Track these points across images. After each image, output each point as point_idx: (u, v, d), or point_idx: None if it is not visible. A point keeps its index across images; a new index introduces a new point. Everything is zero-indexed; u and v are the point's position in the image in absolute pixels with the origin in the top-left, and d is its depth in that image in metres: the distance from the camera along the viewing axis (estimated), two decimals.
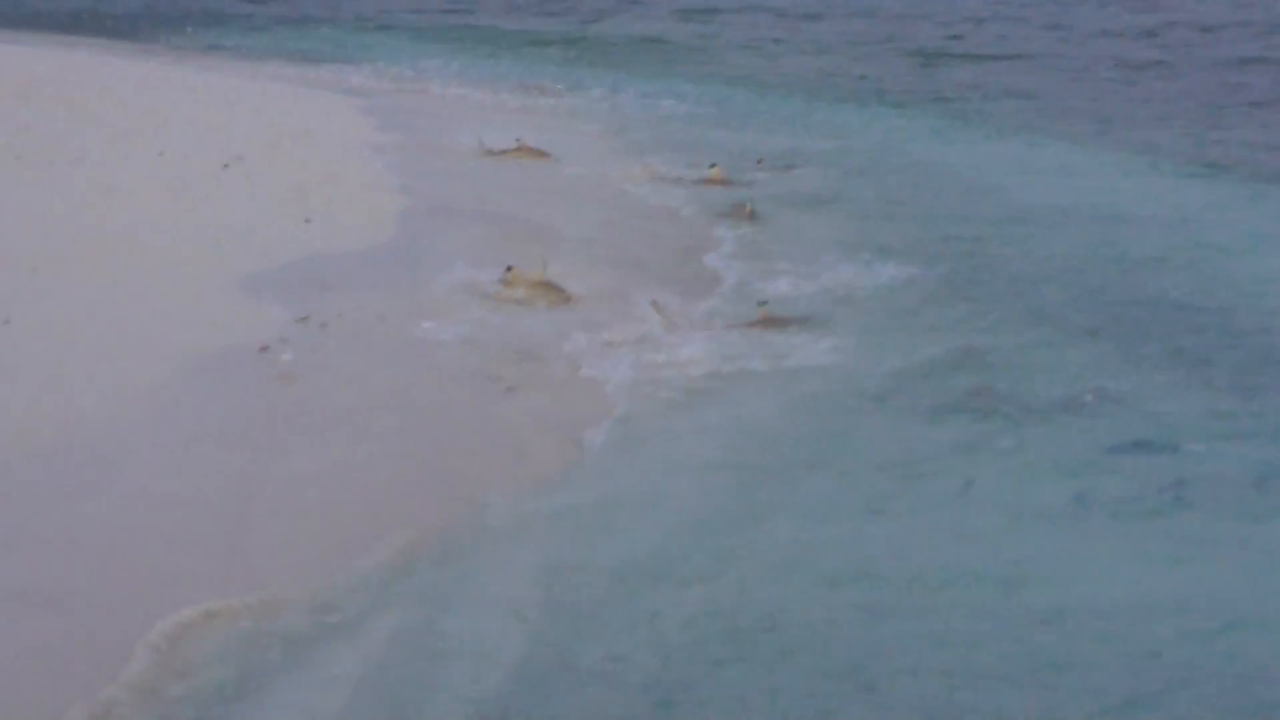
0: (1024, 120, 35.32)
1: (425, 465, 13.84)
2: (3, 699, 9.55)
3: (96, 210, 20.95)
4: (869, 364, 17.19)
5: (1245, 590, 12.11)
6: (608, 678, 10.50)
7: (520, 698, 10.25)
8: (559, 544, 12.55)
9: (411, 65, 43.84)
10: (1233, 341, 18.38)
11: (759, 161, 28.74)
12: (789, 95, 39.34)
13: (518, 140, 28.59)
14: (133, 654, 10.20)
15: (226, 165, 24.54)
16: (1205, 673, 10.74)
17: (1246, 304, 20.10)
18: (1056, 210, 25.74)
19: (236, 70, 40.07)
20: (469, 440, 14.53)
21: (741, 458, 14.51)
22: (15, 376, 14.56)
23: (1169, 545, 12.81)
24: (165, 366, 15.23)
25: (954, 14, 54.40)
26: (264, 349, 15.91)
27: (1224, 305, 19.88)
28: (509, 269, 19.30)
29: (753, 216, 24.23)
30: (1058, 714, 10.21)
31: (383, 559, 12.00)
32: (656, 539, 12.67)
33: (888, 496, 13.67)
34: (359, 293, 18.47)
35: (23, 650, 10.07)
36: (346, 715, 10.00)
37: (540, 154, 28.32)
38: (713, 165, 27.18)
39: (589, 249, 21.83)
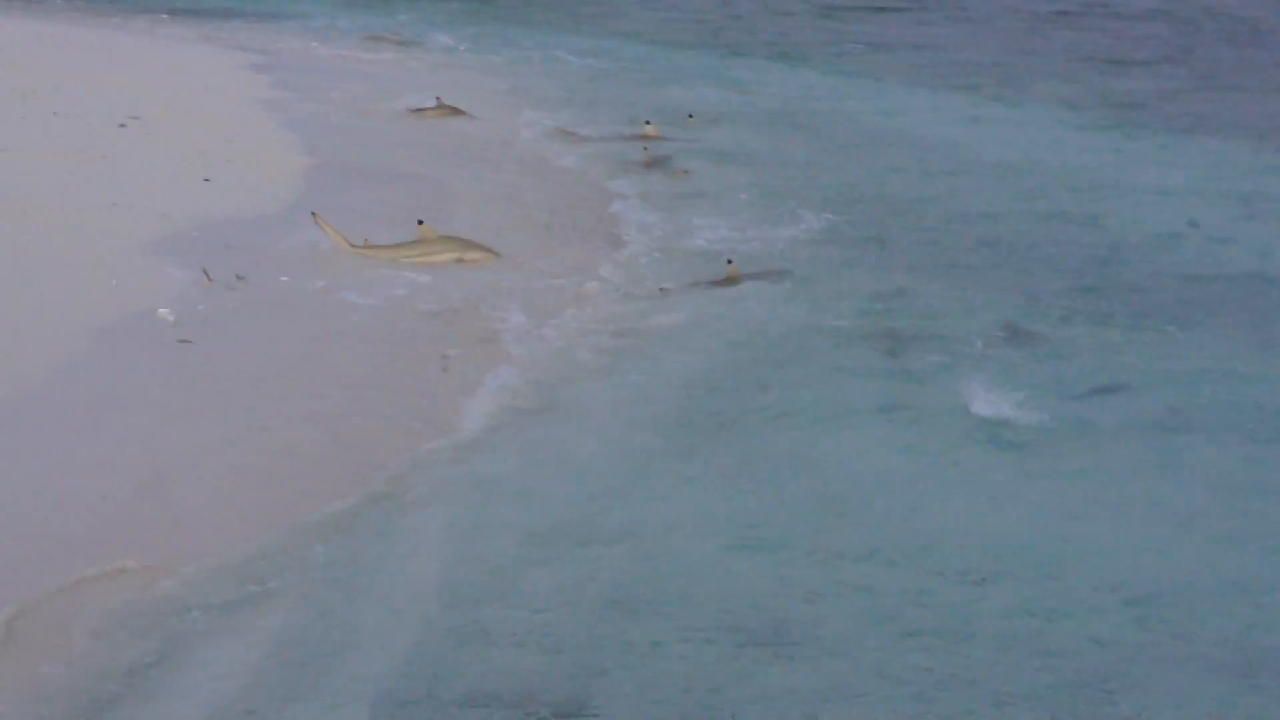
0: (928, 73, 35.40)
1: (336, 431, 13.58)
2: None
3: None
4: (800, 314, 17.25)
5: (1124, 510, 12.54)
6: (523, 641, 10.37)
7: (435, 661, 10.09)
8: (477, 508, 12.40)
9: (312, 23, 43.22)
10: (1129, 284, 19.03)
11: (689, 117, 29.22)
12: (691, 50, 39.22)
13: (437, 99, 29.06)
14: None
15: (123, 125, 24.03)
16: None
17: (1145, 250, 20.53)
18: (965, 161, 25.90)
19: (132, 27, 39.28)
20: (384, 404, 14.30)
21: (670, 411, 14.42)
22: None
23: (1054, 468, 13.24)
24: (71, 334, 14.84)
25: None
26: (184, 340, 15.43)
27: (1123, 251, 20.45)
28: (420, 223, 19.06)
29: (684, 174, 24.68)
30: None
31: (297, 525, 11.77)
32: (579, 500, 12.55)
33: (808, 446, 13.62)
34: (264, 254, 18.14)
35: None
36: (259, 680, 9.80)
37: (458, 111, 28.73)
38: (647, 122, 28.05)
39: (504, 209, 21.64)
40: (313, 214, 18.97)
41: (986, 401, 14.61)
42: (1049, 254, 20.29)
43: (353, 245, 18.71)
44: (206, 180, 21.26)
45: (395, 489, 12.61)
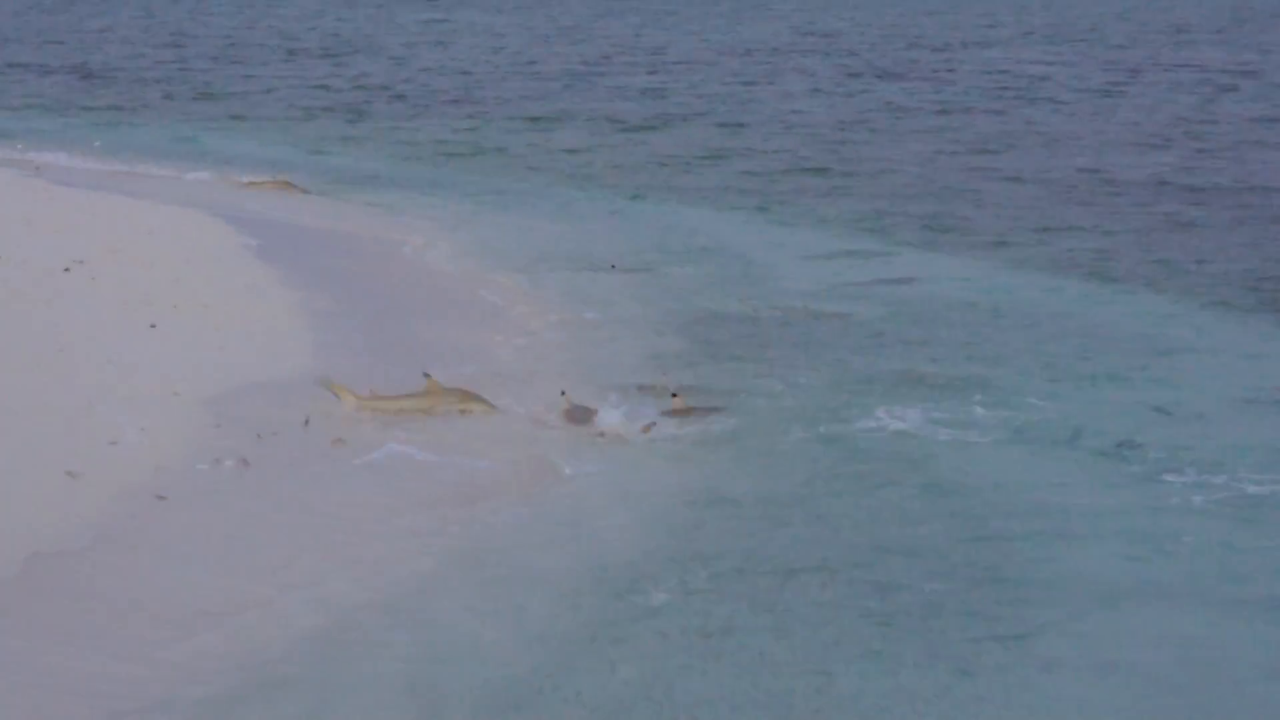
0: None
1: None
2: None
3: None
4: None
5: None
6: None
7: None
8: None
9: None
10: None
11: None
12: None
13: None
14: None
15: (67, 269, 24.20)
16: None
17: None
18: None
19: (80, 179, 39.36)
20: None
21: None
22: None
23: None
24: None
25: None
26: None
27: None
28: (426, 375, 19.41)
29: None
30: None
31: None
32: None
33: None
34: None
35: None
36: None
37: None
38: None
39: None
40: (324, 381, 19.24)
41: None
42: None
43: (359, 398, 19.02)
44: (153, 326, 21.49)
45: None
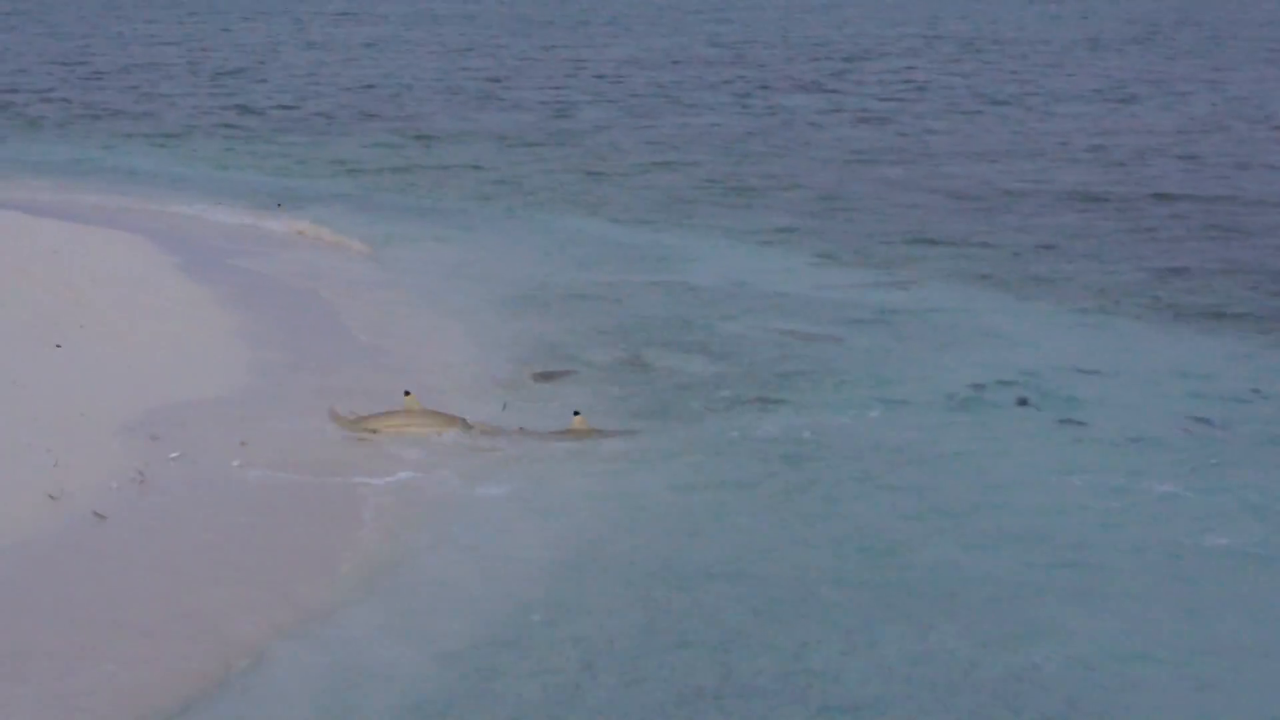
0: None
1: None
2: None
3: None
4: None
5: None
6: None
7: None
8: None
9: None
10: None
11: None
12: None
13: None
14: None
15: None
16: None
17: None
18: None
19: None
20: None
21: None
22: None
23: None
24: None
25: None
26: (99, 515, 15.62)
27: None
28: (407, 394, 19.47)
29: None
30: None
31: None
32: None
33: None
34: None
35: None
36: None
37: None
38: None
39: None
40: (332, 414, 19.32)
41: None
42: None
43: (344, 420, 19.09)
44: (58, 346, 21.37)
45: None
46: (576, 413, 19.53)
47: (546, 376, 22.05)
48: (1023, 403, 21.00)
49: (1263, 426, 20.02)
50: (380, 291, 27.75)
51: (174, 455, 17.51)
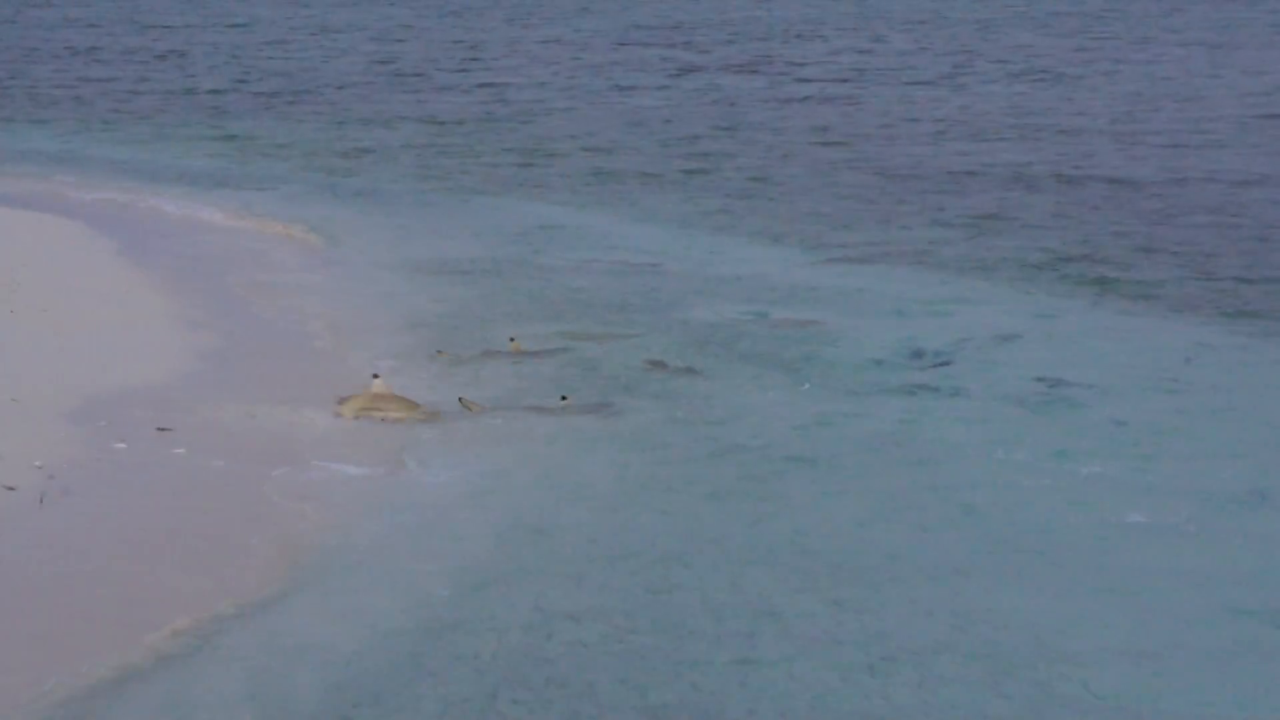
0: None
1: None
2: None
3: None
4: None
5: None
6: None
7: None
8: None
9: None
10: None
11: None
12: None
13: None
14: None
15: None
16: None
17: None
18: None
19: None
20: None
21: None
22: None
23: None
24: None
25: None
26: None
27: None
28: (375, 376, 19.61)
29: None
30: None
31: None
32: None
33: None
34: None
35: None
36: None
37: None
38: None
39: None
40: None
41: None
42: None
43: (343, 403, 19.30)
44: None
45: None
46: (512, 338, 19.74)
47: (488, 355, 22.10)
48: (943, 364, 21.39)
49: (1189, 401, 20.35)
50: (316, 274, 27.73)
51: (120, 445, 17.41)
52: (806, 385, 20.81)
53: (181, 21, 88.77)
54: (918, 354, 22.46)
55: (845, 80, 59.94)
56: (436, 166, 41.27)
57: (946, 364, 21.98)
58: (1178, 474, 17.66)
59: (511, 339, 21.59)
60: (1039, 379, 21.26)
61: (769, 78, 61.25)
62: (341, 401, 19.33)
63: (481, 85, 58.99)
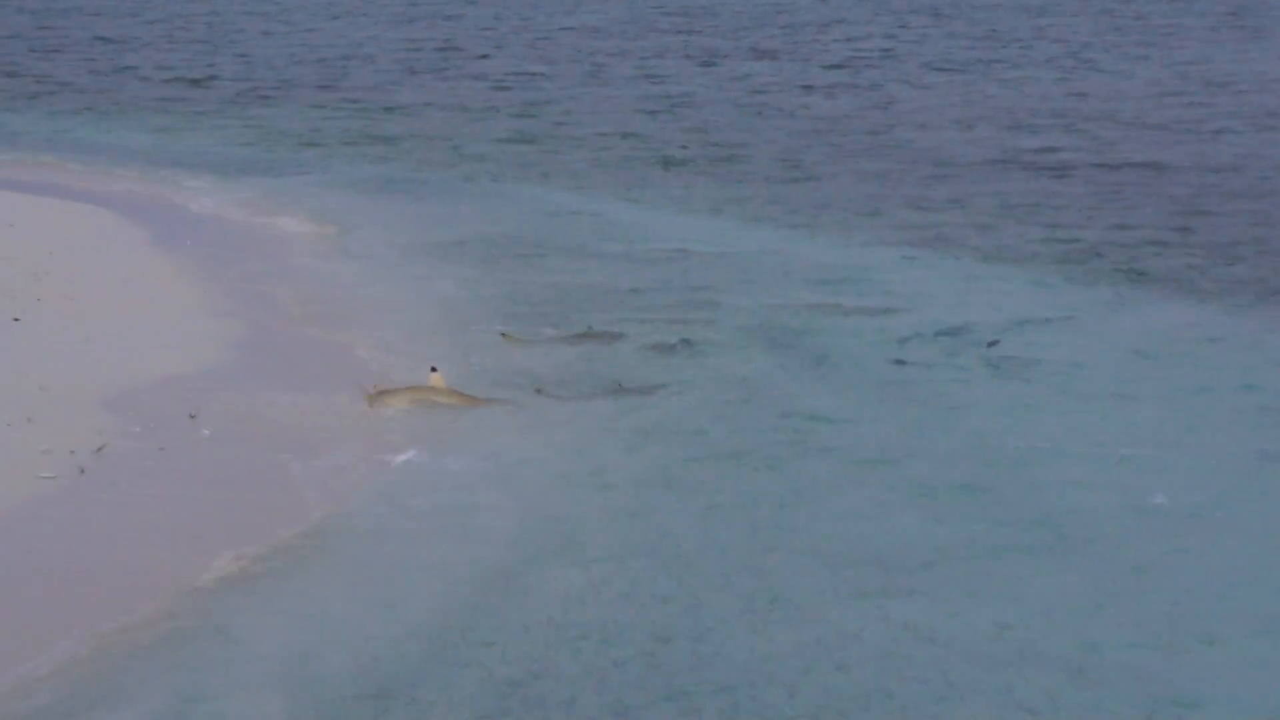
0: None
1: None
2: None
3: None
4: None
5: None
6: None
7: None
8: None
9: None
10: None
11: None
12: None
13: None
14: None
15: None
16: None
17: None
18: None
19: None
20: None
21: None
22: None
23: None
24: None
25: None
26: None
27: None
28: (433, 370, 19.47)
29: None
30: None
31: None
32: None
33: None
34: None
35: None
36: None
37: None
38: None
39: None
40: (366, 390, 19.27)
41: None
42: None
43: (370, 395, 19.14)
44: (16, 320, 21.29)
45: None
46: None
47: (510, 339, 22.01)
48: (992, 344, 21.59)
49: (1214, 379, 20.27)
50: (339, 262, 27.70)
51: (137, 429, 17.44)
52: (827, 369, 20.75)
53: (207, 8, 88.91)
54: (949, 335, 22.37)
55: (870, 66, 59.72)
56: (459, 153, 41.21)
57: (992, 344, 21.79)
58: (1202, 457, 17.53)
59: (503, 333, 20.77)
60: (1060, 360, 21.17)
61: (792, 64, 61.07)
62: (380, 392, 19.15)
63: (502, 73, 58.88)
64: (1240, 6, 79.43)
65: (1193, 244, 29.01)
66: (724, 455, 17.66)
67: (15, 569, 13.77)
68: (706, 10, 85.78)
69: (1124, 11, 79.23)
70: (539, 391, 19.64)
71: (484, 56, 64.69)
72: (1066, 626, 13.39)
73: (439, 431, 18.29)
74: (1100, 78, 54.98)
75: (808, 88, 53.64)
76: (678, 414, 19.06)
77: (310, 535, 15.17)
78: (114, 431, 17.29)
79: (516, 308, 24.30)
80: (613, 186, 36.12)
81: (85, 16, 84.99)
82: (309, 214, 32.42)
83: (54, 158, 39.87)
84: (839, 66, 59.77)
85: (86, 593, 13.47)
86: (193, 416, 17.96)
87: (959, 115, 46.66)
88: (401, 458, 17.44)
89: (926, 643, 13.03)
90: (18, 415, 17.35)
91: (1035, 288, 26.01)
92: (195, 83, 57.11)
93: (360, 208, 33.32)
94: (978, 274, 27.07)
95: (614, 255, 28.42)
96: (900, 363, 21.23)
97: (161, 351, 20.69)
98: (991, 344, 21.63)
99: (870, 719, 11.93)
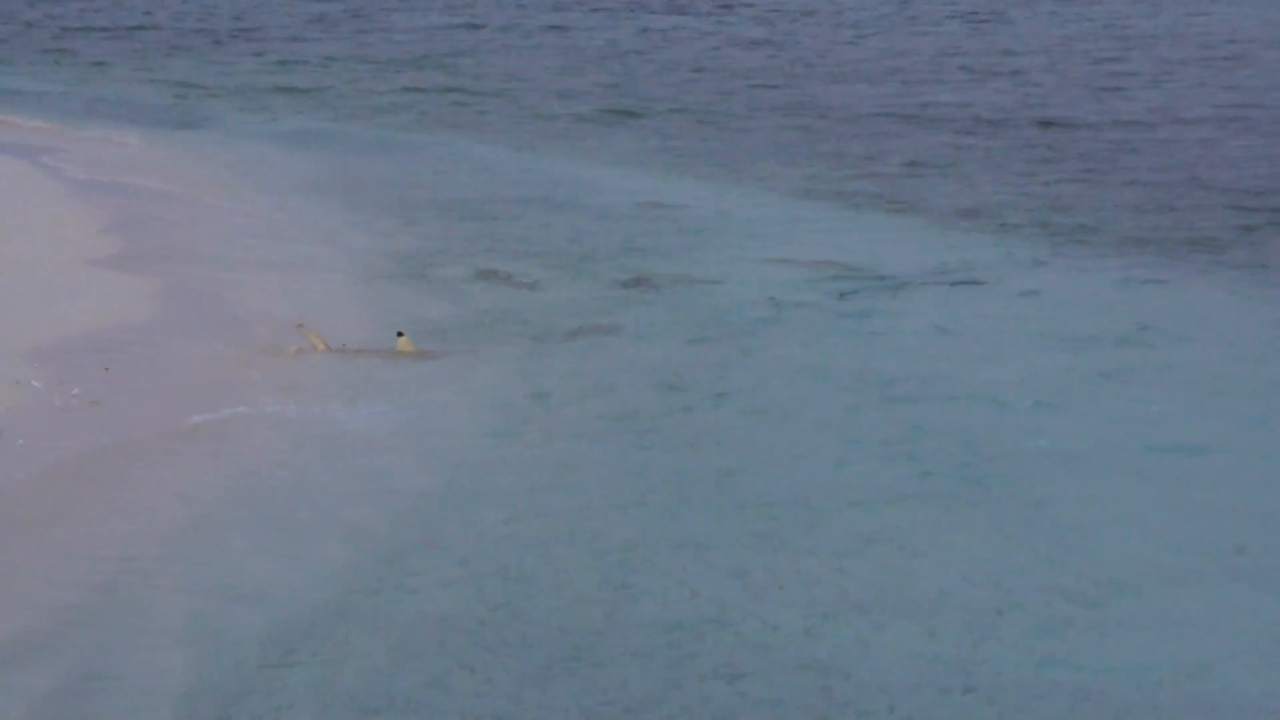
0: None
1: None
2: None
3: None
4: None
5: None
6: None
7: None
8: None
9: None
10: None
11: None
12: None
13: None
14: None
15: None
16: None
17: None
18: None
19: None
20: None
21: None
22: None
23: None
24: None
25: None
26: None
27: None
28: (400, 335, 19.49)
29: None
30: None
31: None
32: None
33: None
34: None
35: None
36: None
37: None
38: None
39: None
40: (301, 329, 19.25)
41: None
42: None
43: (329, 348, 19.09)
44: None
45: None
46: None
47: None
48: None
49: (1132, 351, 20.55)
50: (256, 216, 27.57)
51: (75, 392, 17.24)
52: (756, 316, 21.03)
53: None
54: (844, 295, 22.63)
55: (792, 21, 59.83)
56: (376, 108, 41.02)
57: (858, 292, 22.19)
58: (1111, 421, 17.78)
59: (400, 333, 20.43)
60: (977, 316, 21.47)
61: (711, 18, 61.08)
62: (302, 349, 19.14)
63: (416, 28, 58.52)
64: None
65: (1102, 199, 29.42)
66: (637, 406, 17.80)
67: None
68: None
69: None
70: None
71: (399, 10, 64.23)
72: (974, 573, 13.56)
73: (357, 383, 18.31)
74: (1011, 32, 55.37)
75: (724, 41, 53.70)
76: (593, 366, 19.19)
77: (217, 488, 15.13)
78: (26, 388, 17.15)
79: (433, 258, 24.38)
80: (529, 140, 36.13)
81: None
82: (225, 166, 32.21)
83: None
84: (755, 21, 59.82)
85: None
86: (106, 370, 17.87)
87: (870, 69, 46.87)
88: (315, 409, 17.45)
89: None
90: None
91: (937, 241, 26.30)
92: (109, 31, 56.38)
93: (276, 159, 33.12)
94: (887, 226, 27.36)
95: (527, 203, 28.50)
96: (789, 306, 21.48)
97: (79, 305, 20.55)
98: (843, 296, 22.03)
99: (787, 661, 12.05)
